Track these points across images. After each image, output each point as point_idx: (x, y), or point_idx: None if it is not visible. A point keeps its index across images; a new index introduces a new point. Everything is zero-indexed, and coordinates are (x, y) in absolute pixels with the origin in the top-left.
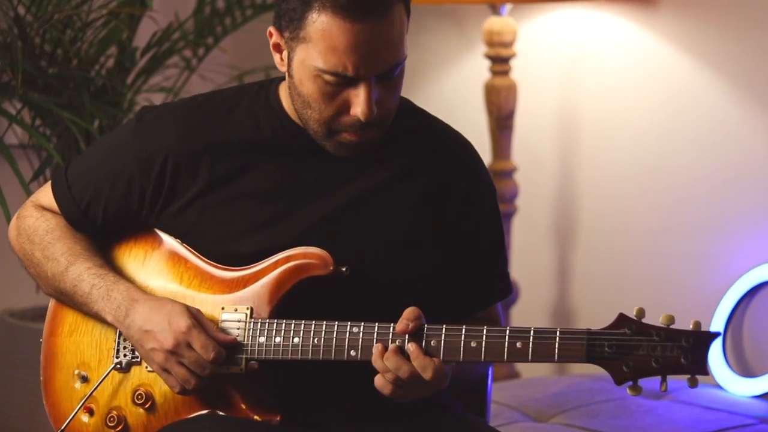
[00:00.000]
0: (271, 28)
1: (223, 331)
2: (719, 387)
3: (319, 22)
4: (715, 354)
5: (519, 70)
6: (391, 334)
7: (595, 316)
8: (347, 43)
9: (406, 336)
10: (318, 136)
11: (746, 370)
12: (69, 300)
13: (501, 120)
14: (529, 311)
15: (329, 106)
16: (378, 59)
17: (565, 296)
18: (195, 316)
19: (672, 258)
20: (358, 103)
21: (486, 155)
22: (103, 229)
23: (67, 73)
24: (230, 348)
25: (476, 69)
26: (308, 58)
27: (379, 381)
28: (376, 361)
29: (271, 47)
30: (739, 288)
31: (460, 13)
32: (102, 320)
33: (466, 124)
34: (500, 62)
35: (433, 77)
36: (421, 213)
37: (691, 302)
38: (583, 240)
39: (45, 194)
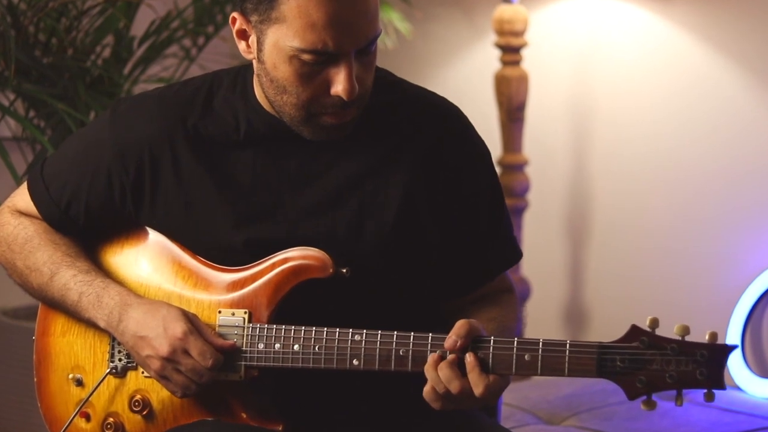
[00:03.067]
0: (235, 14)
1: (221, 335)
2: (738, 388)
3: None
4: (734, 355)
5: (530, 60)
6: (394, 342)
7: (608, 315)
8: (326, 18)
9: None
10: (295, 121)
11: (766, 371)
12: (59, 307)
13: (512, 112)
14: (540, 310)
15: (307, 88)
16: (357, 32)
17: (577, 294)
18: (191, 321)
19: (688, 255)
20: (340, 81)
21: (496, 148)
22: (87, 229)
23: (62, 63)
24: (229, 354)
25: (486, 59)
26: (282, 39)
27: (428, 391)
28: (428, 371)
29: (234, 35)
30: (758, 286)
31: (469, 1)
32: (95, 326)
33: (476, 116)
34: (511, 52)
35: (441, 67)
36: (414, 189)
37: (708, 301)
38: (597, 236)
39: (21, 197)
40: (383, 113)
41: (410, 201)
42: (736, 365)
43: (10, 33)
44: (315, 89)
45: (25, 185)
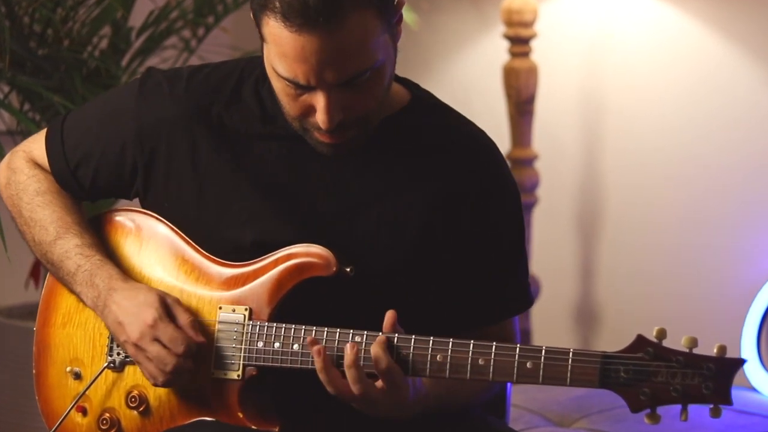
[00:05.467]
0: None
1: (219, 331)
2: (754, 389)
3: (271, 26)
4: (749, 355)
5: (540, 52)
6: (395, 345)
7: (620, 314)
8: (295, 53)
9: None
10: (296, 130)
11: None
12: (54, 272)
13: (521, 105)
14: (550, 308)
15: (294, 106)
16: (331, 71)
17: (588, 293)
18: (166, 305)
19: (703, 252)
20: (318, 110)
21: (505, 142)
22: (91, 194)
23: (58, 55)
24: (227, 351)
25: (494, 50)
26: (269, 57)
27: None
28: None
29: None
30: None
31: None
32: (83, 303)
33: (484, 109)
34: (520, 43)
35: (448, 59)
36: (434, 216)
37: (723, 300)
38: (608, 232)
39: (39, 145)
40: (417, 134)
41: (428, 227)
42: (752, 366)
43: (5, 23)
44: (301, 109)
45: (44, 132)
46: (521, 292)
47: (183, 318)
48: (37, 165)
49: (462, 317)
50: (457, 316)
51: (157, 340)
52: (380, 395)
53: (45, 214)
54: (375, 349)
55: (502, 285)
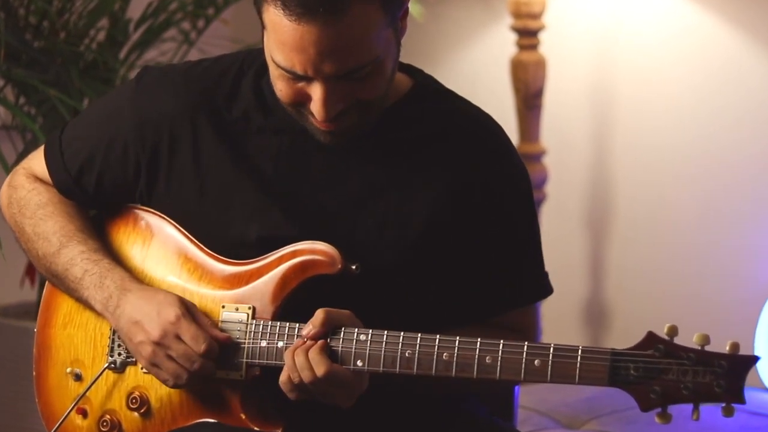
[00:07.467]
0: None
1: (221, 330)
2: (767, 390)
3: (271, 13)
4: (763, 354)
5: (548, 45)
6: (400, 343)
7: (630, 313)
8: (293, 43)
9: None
10: (292, 115)
11: None
12: (60, 283)
13: (529, 99)
14: (559, 307)
15: (290, 94)
16: (329, 63)
17: (598, 291)
18: (186, 306)
19: (715, 249)
20: (315, 100)
21: (512, 137)
22: (96, 201)
23: (54, 48)
24: (230, 351)
25: (502, 43)
26: (268, 45)
27: (283, 381)
28: (287, 356)
29: None
30: None
31: None
32: (91, 308)
33: (491, 103)
34: (528, 35)
35: (454, 51)
36: (441, 206)
37: (736, 298)
38: (618, 230)
39: (38, 161)
40: (420, 123)
41: (434, 219)
42: (766, 367)
43: (0, 15)
44: (298, 96)
45: (42, 148)
46: (538, 279)
47: (203, 318)
48: (38, 179)
49: (476, 308)
50: (471, 308)
51: (179, 338)
52: (334, 389)
53: (48, 226)
54: (312, 357)
55: (516, 274)
